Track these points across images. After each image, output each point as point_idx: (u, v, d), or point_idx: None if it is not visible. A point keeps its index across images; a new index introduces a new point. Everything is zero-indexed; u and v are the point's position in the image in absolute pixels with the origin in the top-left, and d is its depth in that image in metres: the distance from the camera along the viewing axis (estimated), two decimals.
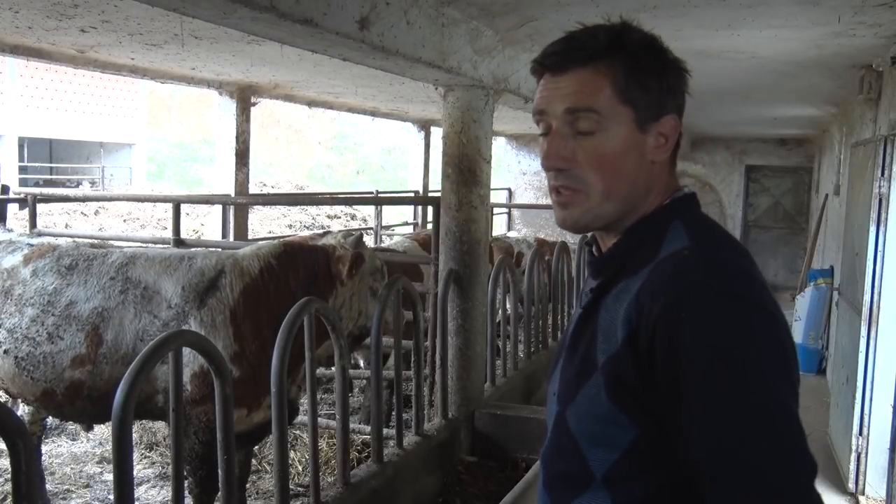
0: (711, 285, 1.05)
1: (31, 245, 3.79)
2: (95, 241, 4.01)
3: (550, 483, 1.22)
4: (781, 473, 0.98)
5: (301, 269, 3.58)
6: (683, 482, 1.07)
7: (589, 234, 1.28)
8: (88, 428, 4.15)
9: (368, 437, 4.06)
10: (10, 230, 4.36)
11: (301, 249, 3.68)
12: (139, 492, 4.39)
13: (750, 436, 0.98)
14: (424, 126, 10.73)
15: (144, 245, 5.28)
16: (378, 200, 10.39)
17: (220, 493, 2.78)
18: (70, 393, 3.42)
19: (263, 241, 4.13)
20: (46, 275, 3.57)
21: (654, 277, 1.09)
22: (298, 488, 4.29)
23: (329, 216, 16.03)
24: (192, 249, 4.25)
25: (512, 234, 11.36)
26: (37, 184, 22.35)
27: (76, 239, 4.15)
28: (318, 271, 3.61)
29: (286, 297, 3.35)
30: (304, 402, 3.66)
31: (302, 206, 15.63)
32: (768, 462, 0.97)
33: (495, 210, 12.01)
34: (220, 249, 4.48)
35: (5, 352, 3.48)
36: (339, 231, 4.07)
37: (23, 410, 3.97)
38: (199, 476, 3.36)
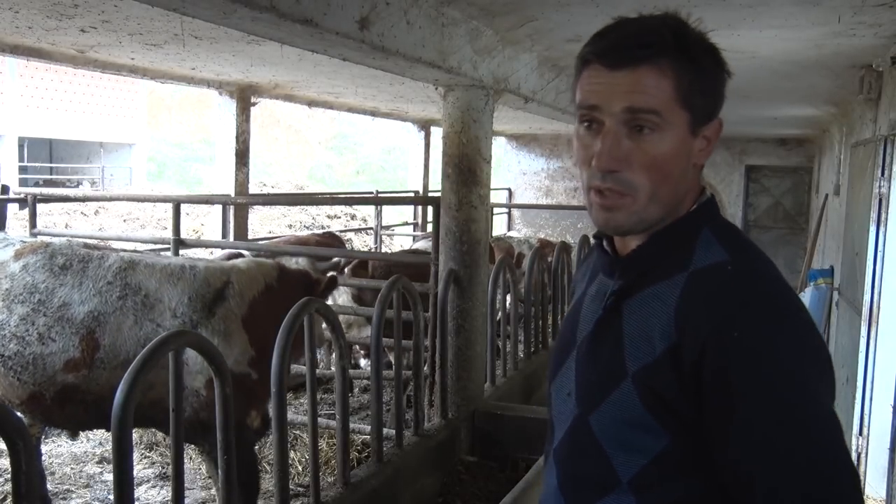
0: (761, 303, 1.06)
1: (24, 241, 3.72)
2: (89, 242, 3.98)
3: (567, 484, 1.21)
4: (833, 487, 1.00)
5: (297, 289, 3.72)
6: (711, 491, 1.08)
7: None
8: (73, 435, 3.98)
9: (368, 437, 4.06)
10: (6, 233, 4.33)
11: (291, 271, 3.90)
12: (139, 492, 4.39)
13: (806, 449, 1.01)
14: (424, 126, 10.73)
15: (139, 246, 5.27)
16: (378, 200, 10.40)
17: (219, 493, 2.78)
18: (61, 397, 3.34)
19: (253, 257, 4.18)
20: (37, 272, 3.47)
21: (697, 291, 1.09)
22: (298, 488, 4.29)
23: (329, 216, 16.02)
24: (192, 258, 4.25)
25: (513, 234, 11.35)
26: (37, 184, 22.34)
27: (69, 238, 4.13)
28: (304, 292, 3.75)
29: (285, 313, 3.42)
30: (304, 402, 3.67)
31: (302, 206, 15.63)
32: (821, 476, 1.00)
33: (495, 210, 12.01)
34: (220, 250, 4.49)
35: None
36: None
37: None
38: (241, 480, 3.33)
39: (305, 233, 10.68)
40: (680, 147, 1.12)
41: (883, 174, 4.33)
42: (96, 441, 5.13)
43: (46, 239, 3.85)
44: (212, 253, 6.45)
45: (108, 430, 3.88)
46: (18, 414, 3.84)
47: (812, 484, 1.00)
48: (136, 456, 4.66)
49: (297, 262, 4.07)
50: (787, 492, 1.00)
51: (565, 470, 1.22)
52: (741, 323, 1.04)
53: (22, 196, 6.03)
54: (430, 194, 10.42)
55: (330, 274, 4.07)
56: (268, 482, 4.51)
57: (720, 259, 1.11)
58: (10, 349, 3.36)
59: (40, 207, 6.04)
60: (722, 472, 1.06)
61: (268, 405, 3.47)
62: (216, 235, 7.25)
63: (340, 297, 5.65)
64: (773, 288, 1.09)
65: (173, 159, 34.66)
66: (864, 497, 4.43)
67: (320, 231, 10.37)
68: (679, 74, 1.09)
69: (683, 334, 1.06)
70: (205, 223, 12.13)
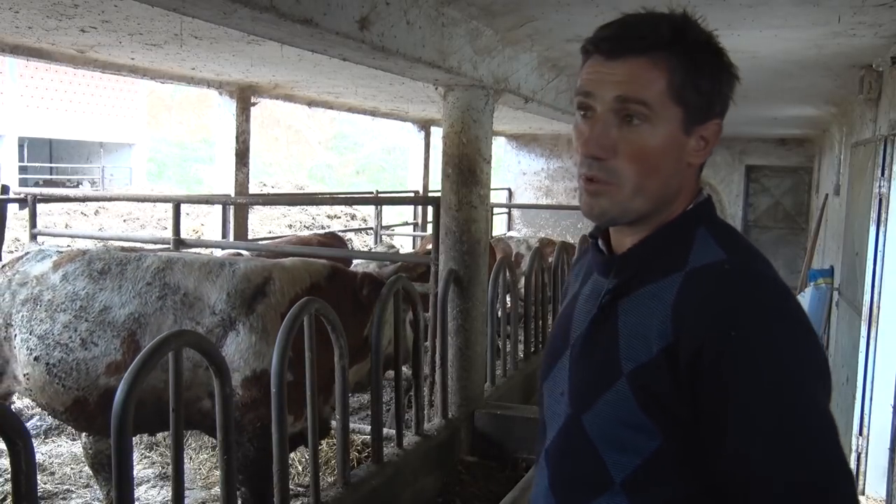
0: (759, 303, 1.06)
1: (60, 251, 3.75)
2: (125, 245, 3.98)
3: (558, 485, 1.20)
4: (829, 490, 1.00)
5: (348, 291, 3.74)
6: (703, 492, 1.08)
7: (592, 228, 1.26)
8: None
9: (368, 437, 4.06)
10: (42, 245, 4.28)
11: (345, 273, 3.86)
12: (139, 492, 4.39)
13: (802, 452, 1.01)
14: (424, 126, 10.73)
15: (139, 246, 5.25)
16: (378, 200, 10.38)
17: (220, 492, 2.78)
18: (103, 401, 3.30)
19: (302, 258, 4.08)
20: (77, 279, 3.50)
21: (694, 290, 1.08)
22: (298, 488, 4.29)
23: (329, 216, 16.03)
24: (234, 257, 4.21)
25: (513, 234, 11.36)
26: (37, 184, 22.36)
27: (107, 243, 4.14)
28: (353, 294, 3.78)
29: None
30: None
31: (302, 206, 15.63)
32: (817, 479, 1.00)
33: (495, 210, 12.01)
34: (220, 250, 4.47)
35: (36, 359, 3.40)
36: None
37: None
38: (256, 485, 3.31)
39: (306, 233, 10.69)
40: (669, 142, 1.12)
41: (883, 174, 4.33)
42: None
43: (84, 247, 3.84)
44: (212, 254, 6.43)
45: (149, 433, 3.89)
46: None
47: (807, 476, 1.00)
48: (136, 456, 4.66)
49: (364, 266, 4.01)
50: (781, 483, 1.00)
51: (557, 470, 1.21)
52: (740, 322, 1.03)
53: (22, 196, 6.02)
54: (430, 194, 10.41)
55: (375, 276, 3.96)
56: None
57: (717, 258, 1.10)
58: (54, 357, 3.40)
59: (40, 207, 6.04)
60: (716, 469, 1.06)
61: (304, 414, 3.36)
62: (216, 235, 7.25)
63: None
64: (772, 288, 1.08)
65: (173, 159, 34.68)
66: (864, 498, 4.43)
67: (321, 231, 10.38)
68: (673, 69, 1.10)
69: (680, 334, 1.06)
70: (205, 223, 12.13)
